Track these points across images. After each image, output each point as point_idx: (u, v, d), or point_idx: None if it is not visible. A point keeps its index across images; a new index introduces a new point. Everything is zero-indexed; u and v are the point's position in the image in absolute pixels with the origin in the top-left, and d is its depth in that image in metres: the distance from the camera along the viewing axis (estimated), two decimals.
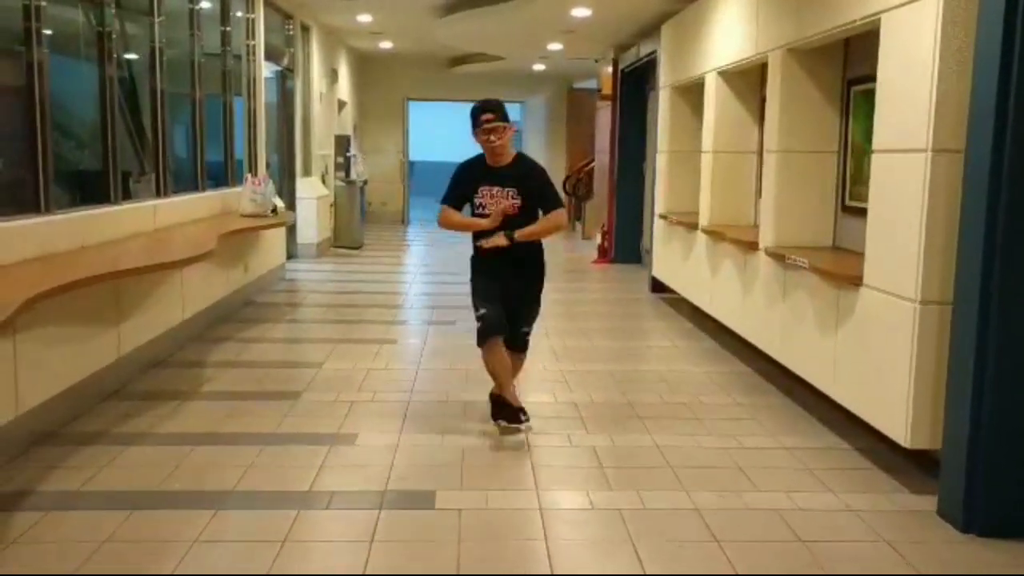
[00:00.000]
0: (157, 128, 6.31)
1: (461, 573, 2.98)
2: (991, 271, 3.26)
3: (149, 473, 3.84)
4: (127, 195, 5.82)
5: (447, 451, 4.19)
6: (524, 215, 4.33)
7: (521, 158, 4.43)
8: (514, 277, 4.43)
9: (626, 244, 11.43)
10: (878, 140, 4.11)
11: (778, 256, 5.26)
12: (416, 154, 19.11)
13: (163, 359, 5.73)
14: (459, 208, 4.48)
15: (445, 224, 4.49)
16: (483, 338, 4.28)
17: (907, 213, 3.77)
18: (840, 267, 4.57)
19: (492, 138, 4.24)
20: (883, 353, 3.96)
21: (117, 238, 5.32)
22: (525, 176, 4.34)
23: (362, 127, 16.53)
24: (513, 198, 4.28)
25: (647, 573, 2.91)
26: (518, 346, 4.55)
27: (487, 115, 4.25)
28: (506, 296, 4.37)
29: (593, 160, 13.67)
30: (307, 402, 4.96)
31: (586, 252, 12.26)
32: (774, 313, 5.41)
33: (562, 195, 12.22)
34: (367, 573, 2.97)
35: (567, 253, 12.42)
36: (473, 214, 4.40)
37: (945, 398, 3.50)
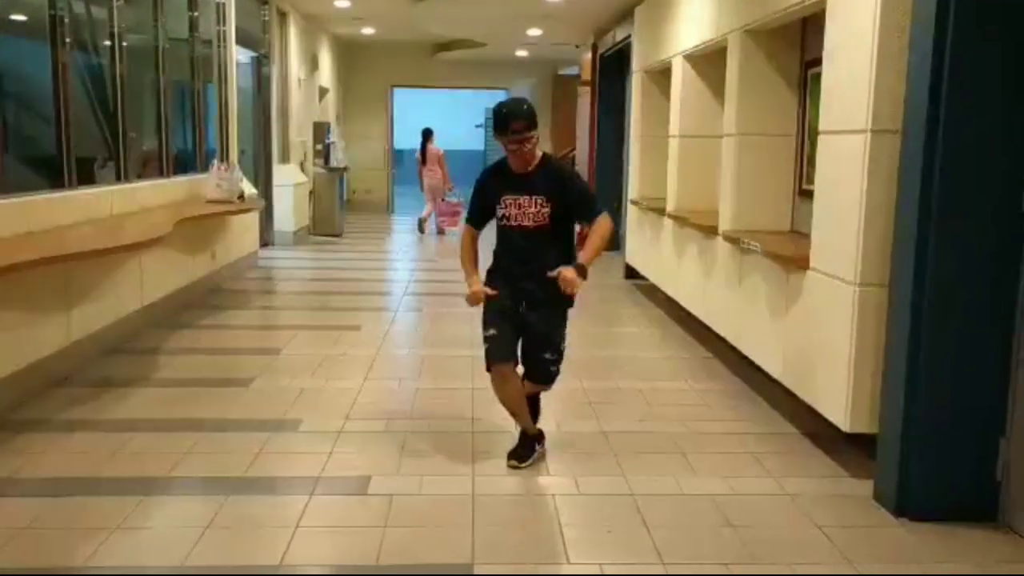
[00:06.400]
0: (117, 114, 6.25)
1: (382, 563, 2.96)
2: (924, 253, 3.22)
3: (83, 460, 3.80)
4: (85, 180, 5.75)
5: (390, 436, 4.16)
6: (554, 227, 3.77)
7: (548, 162, 3.87)
8: (530, 296, 3.82)
9: None
10: (824, 121, 4.06)
11: (734, 240, 5.22)
12: (403, 142, 19.00)
13: (118, 345, 5.68)
14: (483, 223, 3.94)
15: (461, 254, 3.95)
16: (488, 362, 3.82)
17: (848, 194, 3.72)
18: (791, 250, 4.52)
19: (523, 147, 3.71)
20: (826, 336, 3.92)
21: (70, 223, 5.25)
22: (555, 184, 3.78)
23: (346, 114, 16.45)
24: (542, 206, 3.73)
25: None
26: (537, 378, 3.94)
27: (518, 123, 3.66)
28: (520, 316, 3.83)
29: (575, 148, 13.60)
30: (257, 389, 4.91)
31: None
32: (732, 298, 5.37)
33: None
34: (286, 562, 2.95)
35: None
36: (498, 227, 3.84)
37: (881, 382, 3.47)
